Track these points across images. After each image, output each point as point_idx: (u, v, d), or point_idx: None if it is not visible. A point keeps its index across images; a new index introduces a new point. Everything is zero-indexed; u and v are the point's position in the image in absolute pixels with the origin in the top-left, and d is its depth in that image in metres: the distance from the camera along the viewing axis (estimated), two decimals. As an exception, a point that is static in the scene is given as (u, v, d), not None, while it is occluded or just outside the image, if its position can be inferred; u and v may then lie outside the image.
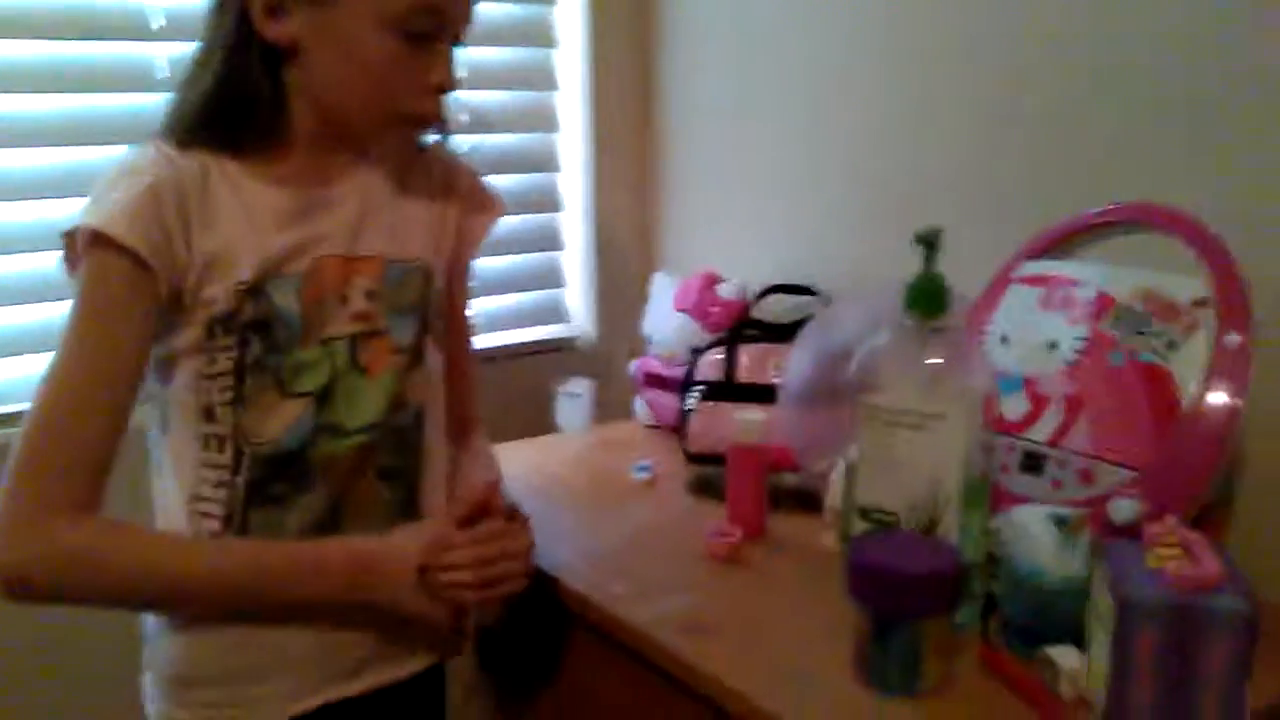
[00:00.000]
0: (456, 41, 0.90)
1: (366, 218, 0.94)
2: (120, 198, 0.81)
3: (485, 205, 1.04)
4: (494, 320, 1.59)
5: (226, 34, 0.85)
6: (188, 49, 0.88)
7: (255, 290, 0.87)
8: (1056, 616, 0.85)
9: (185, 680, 0.92)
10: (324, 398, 0.91)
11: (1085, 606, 0.83)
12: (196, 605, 0.90)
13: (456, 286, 1.05)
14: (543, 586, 1.03)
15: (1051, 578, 0.85)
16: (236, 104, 0.86)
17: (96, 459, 0.83)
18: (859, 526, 0.94)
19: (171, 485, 0.91)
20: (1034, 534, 0.86)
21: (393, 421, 0.95)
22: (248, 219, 0.87)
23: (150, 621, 0.94)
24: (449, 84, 0.89)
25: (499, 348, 1.57)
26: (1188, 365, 0.91)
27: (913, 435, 0.90)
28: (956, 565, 0.84)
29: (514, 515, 0.95)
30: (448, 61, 0.88)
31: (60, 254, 0.86)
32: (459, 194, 1.02)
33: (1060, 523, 0.85)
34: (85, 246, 0.82)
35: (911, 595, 0.82)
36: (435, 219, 1.00)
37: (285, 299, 0.88)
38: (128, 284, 0.82)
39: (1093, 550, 0.85)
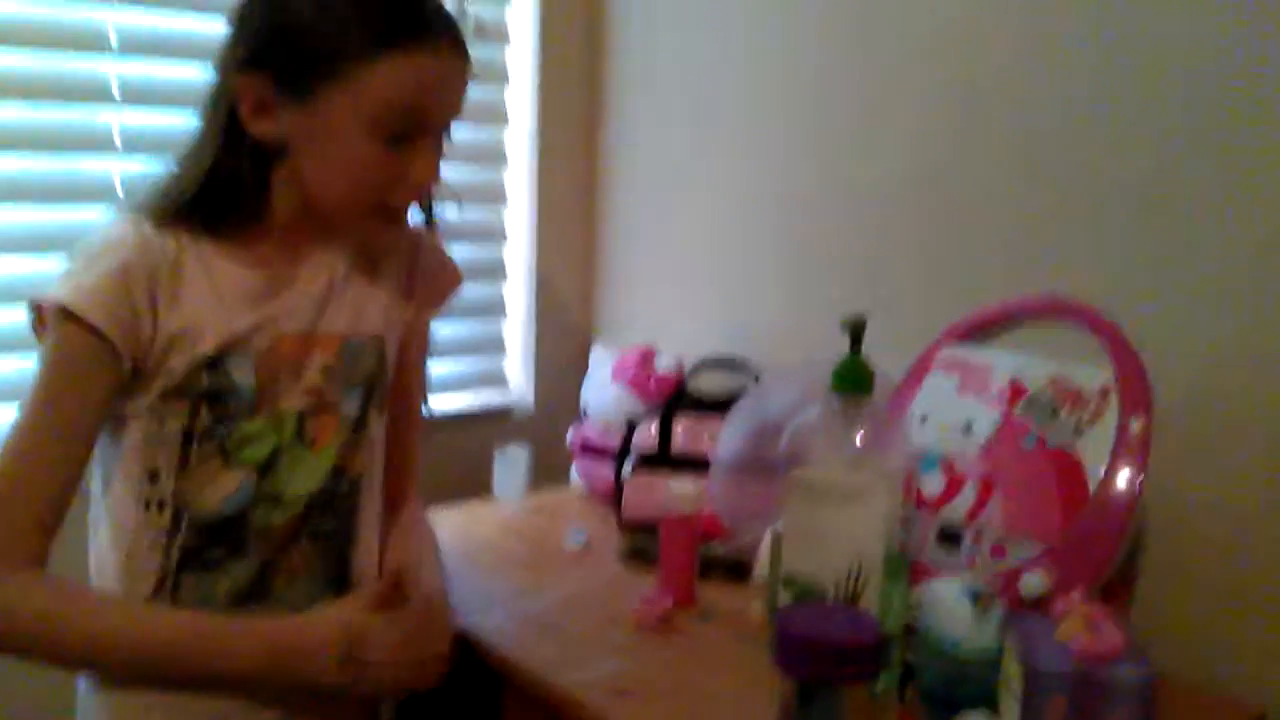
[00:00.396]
0: (442, 133, 0.92)
1: (331, 296, 0.97)
2: (92, 277, 0.84)
3: (446, 277, 1.08)
4: (434, 384, 1.61)
5: (217, 128, 0.88)
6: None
7: (214, 363, 0.89)
8: (971, 685, 0.89)
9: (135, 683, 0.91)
10: (266, 468, 0.93)
11: (998, 675, 0.88)
12: (129, 670, 0.89)
13: (410, 355, 1.07)
14: (471, 649, 1.04)
15: (966, 648, 0.89)
16: (221, 193, 0.89)
17: (52, 517, 0.85)
18: (785, 596, 0.98)
19: (108, 542, 0.92)
20: (950, 606, 0.90)
21: (331, 489, 0.97)
22: (216, 297, 0.89)
23: (83, 680, 0.94)
24: (430, 179, 0.91)
25: (439, 413, 1.59)
26: (1094, 448, 0.97)
27: (838, 509, 0.94)
28: (877, 635, 0.88)
29: (432, 603, 0.96)
30: (430, 156, 0.90)
31: (29, 318, 0.88)
32: (421, 265, 1.05)
33: (975, 596, 0.89)
34: (54, 318, 0.84)
35: (835, 663, 0.85)
36: (397, 292, 1.03)
37: (241, 372, 0.90)
38: (92, 357, 0.85)
39: (1005, 622, 0.89)
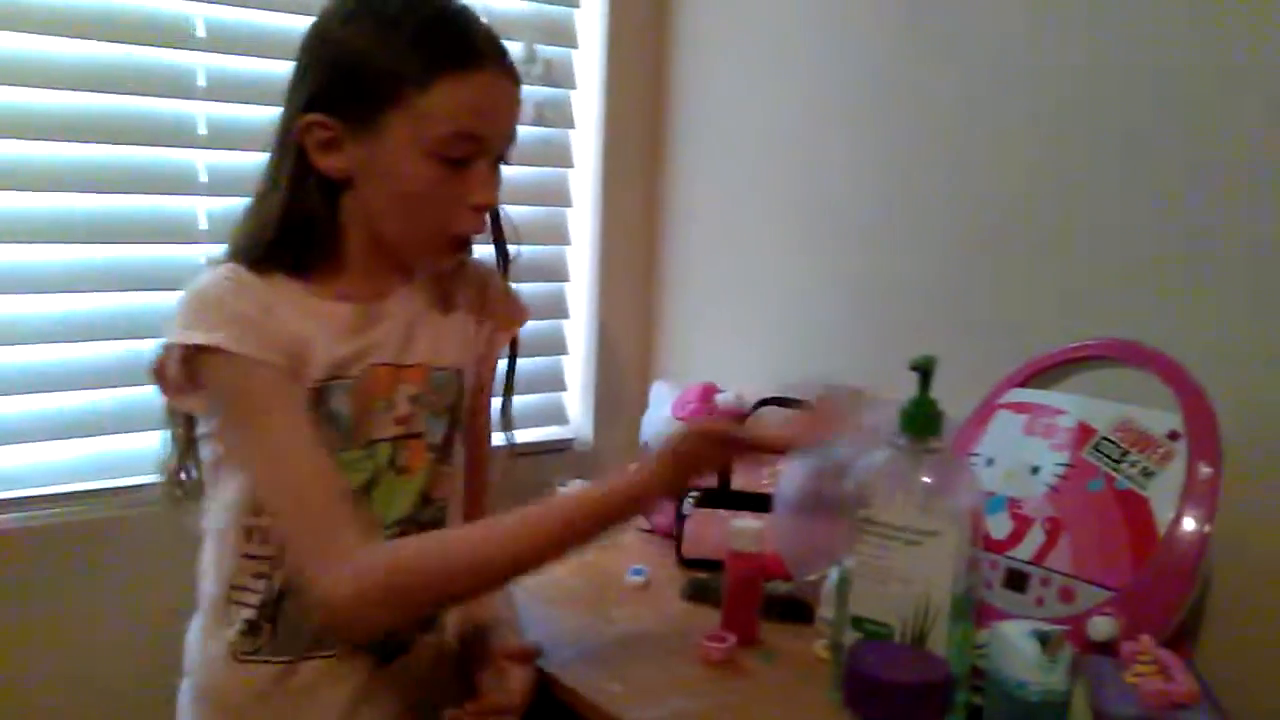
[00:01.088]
0: (500, 160, 0.96)
1: (414, 329, 1.01)
2: (222, 318, 0.88)
3: (513, 314, 1.12)
4: (496, 420, 1.64)
5: (288, 168, 0.92)
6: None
7: (320, 391, 0.93)
8: (1039, 728, 0.89)
9: (231, 707, 0.96)
10: (362, 495, 0.96)
11: (1065, 715, 0.88)
12: (513, 575, 0.95)
13: (483, 387, 1.12)
14: (542, 686, 1.06)
15: (1034, 690, 0.89)
16: (298, 229, 0.93)
17: (344, 497, 0.90)
18: (851, 636, 0.99)
19: (211, 572, 0.97)
20: (1018, 648, 0.90)
21: (418, 515, 1.01)
22: (317, 329, 0.93)
23: (190, 713, 0.98)
24: (489, 202, 0.95)
25: (499, 446, 1.62)
26: (1163, 492, 0.97)
27: (907, 550, 0.95)
28: (947, 675, 0.89)
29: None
30: (487, 179, 0.94)
31: (155, 376, 0.93)
32: (490, 302, 1.09)
33: (1043, 638, 0.89)
34: (211, 360, 0.88)
35: (904, 703, 0.86)
36: (470, 326, 1.07)
37: (339, 402, 0.94)
38: (272, 378, 0.89)
39: (1073, 665, 0.89)
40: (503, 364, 1.15)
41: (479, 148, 0.92)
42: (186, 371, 0.90)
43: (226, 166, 1.34)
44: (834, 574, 1.07)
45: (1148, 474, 0.99)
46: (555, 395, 1.75)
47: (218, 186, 1.34)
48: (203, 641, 0.98)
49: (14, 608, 1.25)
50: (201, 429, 0.97)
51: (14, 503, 1.26)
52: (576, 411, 1.76)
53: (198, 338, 0.87)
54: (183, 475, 1.01)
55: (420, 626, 1.04)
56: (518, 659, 1.01)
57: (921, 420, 0.97)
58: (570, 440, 1.74)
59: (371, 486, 0.97)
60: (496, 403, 1.18)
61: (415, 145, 0.89)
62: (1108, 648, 0.93)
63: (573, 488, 1.48)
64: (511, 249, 1.10)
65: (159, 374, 0.92)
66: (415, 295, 1.02)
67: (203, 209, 1.34)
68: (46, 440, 1.28)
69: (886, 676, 0.87)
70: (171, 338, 0.89)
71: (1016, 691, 0.90)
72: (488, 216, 1.01)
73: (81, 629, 1.29)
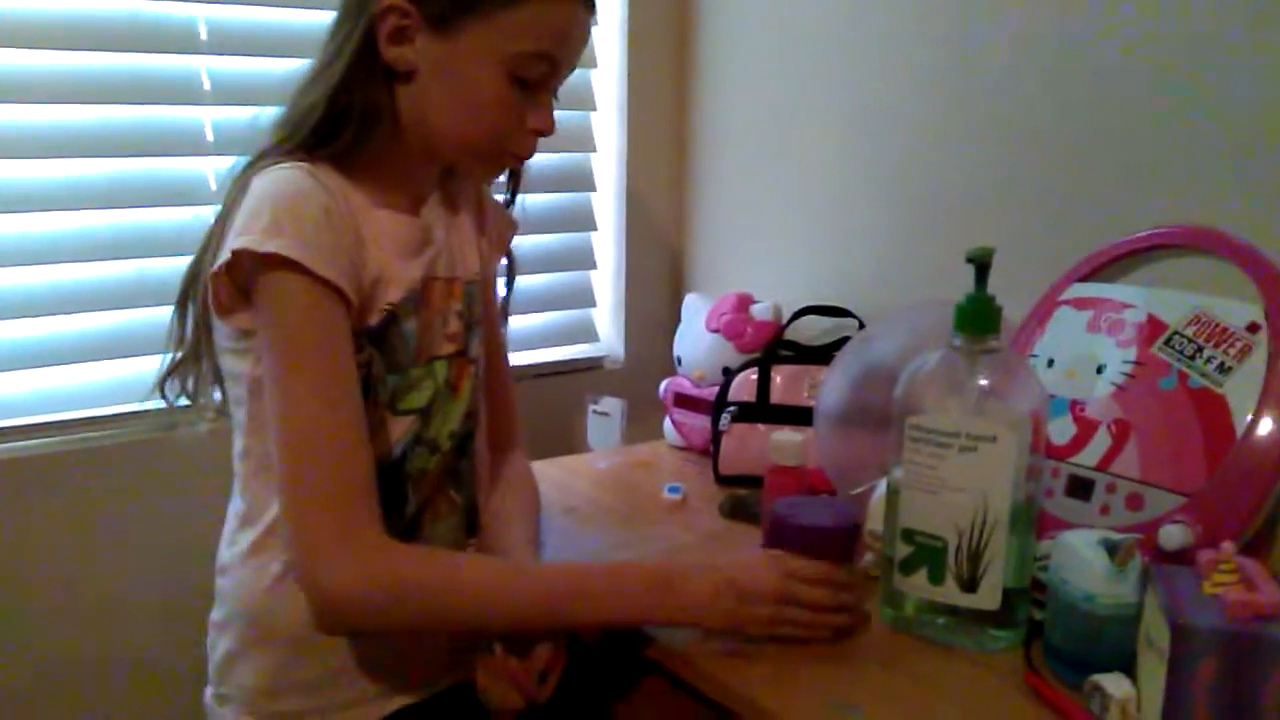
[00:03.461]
0: (555, 90, 0.94)
1: (450, 240, 0.99)
2: (302, 225, 0.81)
3: (506, 226, 1.10)
4: (524, 339, 1.59)
5: (353, 46, 0.87)
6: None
7: (393, 311, 0.90)
8: (1105, 644, 0.83)
9: (271, 691, 0.92)
10: (426, 415, 0.95)
11: (1136, 633, 0.82)
12: (509, 630, 0.90)
13: (489, 298, 1.10)
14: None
15: (1102, 603, 0.83)
16: (355, 112, 0.87)
17: (374, 475, 0.84)
18: (903, 550, 0.93)
19: (257, 496, 0.92)
20: (1085, 558, 0.84)
21: (467, 431, 1.00)
22: (390, 244, 0.90)
23: (226, 639, 0.94)
24: (548, 129, 0.93)
25: (528, 366, 1.57)
26: (1241, 390, 0.90)
27: (961, 457, 0.89)
28: (851, 524, 0.94)
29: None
30: (548, 107, 0.93)
31: (220, 275, 0.84)
32: (486, 213, 1.07)
33: (1112, 548, 0.83)
34: (276, 275, 0.81)
35: (805, 545, 0.92)
36: (477, 239, 1.05)
37: (409, 322, 0.92)
38: (331, 308, 0.83)
39: (1144, 576, 0.83)
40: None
41: (552, 72, 0.91)
42: (243, 283, 0.84)
43: (231, 78, 1.28)
44: (881, 486, 1.01)
45: (1224, 370, 0.91)
46: (584, 312, 1.69)
47: (222, 96, 1.27)
48: (247, 566, 0.92)
49: (44, 531, 1.22)
50: (232, 343, 0.89)
51: (39, 428, 1.23)
52: (607, 328, 1.70)
53: (278, 246, 0.80)
54: (183, 384, 0.96)
55: (458, 545, 1.01)
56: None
57: (977, 317, 0.90)
58: (601, 358, 1.69)
59: (433, 404, 0.95)
60: (517, 321, 1.16)
61: (494, 57, 0.87)
62: (1180, 557, 0.87)
63: (604, 405, 1.43)
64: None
65: (215, 285, 0.85)
66: (441, 207, 1.00)
67: (209, 119, 1.28)
68: (79, 363, 1.25)
69: (792, 521, 0.93)
70: (244, 244, 0.81)
71: (1083, 604, 0.84)
72: None
73: (109, 552, 1.27)
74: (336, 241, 0.84)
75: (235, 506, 0.95)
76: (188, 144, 1.26)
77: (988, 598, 0.90)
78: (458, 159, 0.94)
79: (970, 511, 0.89)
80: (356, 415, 0.84)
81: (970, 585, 0.90)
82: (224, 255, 0.83)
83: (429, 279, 0.94)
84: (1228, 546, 0.79)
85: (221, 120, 1.27)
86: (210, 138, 1.27)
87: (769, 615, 0.88)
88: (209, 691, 0.97)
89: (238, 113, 1.26)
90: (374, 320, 0.89)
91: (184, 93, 1.26)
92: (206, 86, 1.26)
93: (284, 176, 0.85)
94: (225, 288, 0.85)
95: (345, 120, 0.88)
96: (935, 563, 0.91)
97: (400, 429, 0.93)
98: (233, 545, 0.94)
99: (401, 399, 0.93)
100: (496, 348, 1.11)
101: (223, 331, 0.89)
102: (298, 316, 0.82)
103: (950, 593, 0.91)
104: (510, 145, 0.93)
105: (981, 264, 0.89)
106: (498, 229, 1.09)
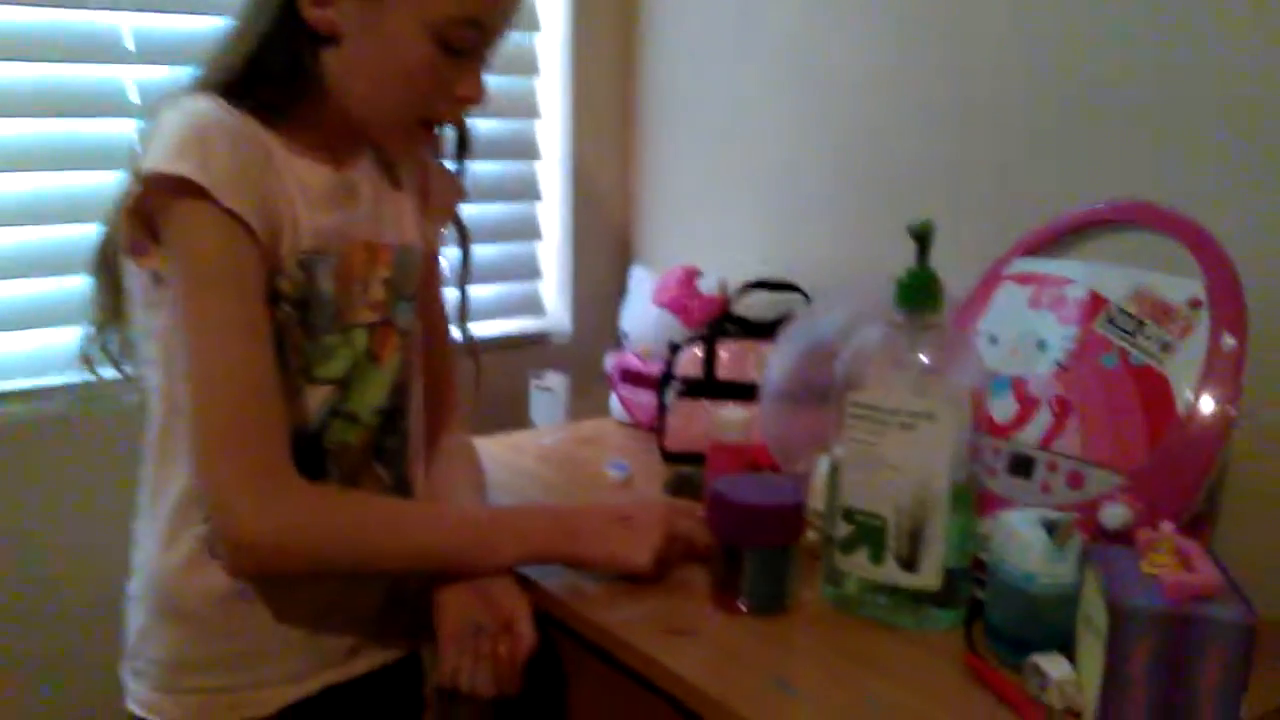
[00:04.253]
0: (486, 57, 0.90)
1: (380, 205, 0.95)
2: (207, 151, 0.78)
3: (453, 193, 1.06)
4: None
5: (273, 7, 0.83)
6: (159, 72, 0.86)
7: (306, 265, 0.86)
8: (1045, 624, 0.83)
9: (182, 667, 0.90)
10: (344, 385, 0.91)
11: (1075, 614, 0.81)
12: (413, 569, 0.90)
13: (433, 273, 1.07)
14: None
15: (1041, 583, 0.82)
16: (275, 69, 0.84)
17: (286, 418, 0.83)
18: (843, 529, 0.92)
19: (163, 471, 0.88)
20: (1023, 538, 0.83)
21: (395, 405, 0.96)
22: (301, 191, 0.86)
23: (140, 612, 0.91)
24: (477, 98, 0.89)
25: (462, 343, 1.53)
26: (1182, 368, 0.89)
27: (901, 435, 0.87)
28: (796, 500, 0.92)
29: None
30: (478, 74, 0.89)
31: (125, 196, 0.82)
32: (431, 178, 1.03)
33: (1050, 527, 0.82)
34: (179, 200, 0.78)
35: (751, 526, 0.91)
36: (417, 205, 1.01)
37: (325, 280, 0.88)
38: (238, 242, 0.80)
39: (1084, 556, 0.82)
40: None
41: (480, 39, 0.87)
42: (149, 216, 0.80)
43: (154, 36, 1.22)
44: (823, 463, 0.99)
45: (1166, 348, 0.90)
46: (531, 284, 1.66)
47: (146, 55, 1.22)
48: (157, 539, 0.89)
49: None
50: (145, 295, 0.86)
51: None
52: (554, 301, 1.67)
53: (182, 169, 0.77)
54: (104, 348, 0.93)
55: None
56: None
57: (919, 292, 0.89)
58: (548, 332, 1.66)
59: (351, 374, 0.91)
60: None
61: (420, 21, 0.83)
62: (1121, 537, 0.86)
63: (548, 380, 1.41)
64: (471, 128, 1.02)
65: (127, 223, 0.82)
66: (374, 169, 0.96)
67: (131, 78, 1.23)
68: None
69: (736, 501, 0.90)
70: (150, 166, 0.78)
71: (1022, 584, 0.83)
72: None
73: (29, 528, 1.23)
74: (244, 173, 0.80)
75: (146, 475, 0.91)
76: (110, 104, 1.21)
77: (928, 577, 0.89)
78: (375, 128, 0.90)
79: (910, 490, 0.88)
80: (268, 353, 0.81)
81: (910, 564, 0.89)
82: (132, 186, 0.80)
83: (350, 242, 0.90)
84: (1166, 526, 0.78)
85: (145, 80, 1.22)
86: (134, 98, 1.22)
87: (656, 541, 0.92)
88: (124, 666, 0.93)
89: (162, 72, 1.21)
90: (288, 270, 0.85)
91: (106, 51, 1.20)
92: (130, 46, 1.21)
93: (192, 106, 0.82)
94: (136, 224, 0.82)
95: (265, 80, 0.84)
96: (875, 542, 0.90)
97: (317, 399, 0.89)
98: (143, 516, 0.91)
99: (317, 366, 0.89)
100: (438, 319, 1.08)
101: (137, 283, 0.86)
102: (206, 246, 0.79)
103: (890, 572, 0.90)
104: (437, 114, 0.89)
105: (922, 237, 0.87)
106: (444, 197, 1.05)
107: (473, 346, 1.11)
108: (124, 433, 1.05)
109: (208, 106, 0.81)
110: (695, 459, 1.25)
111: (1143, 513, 0.87)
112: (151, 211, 0.81)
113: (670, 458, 1.32)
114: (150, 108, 0.88)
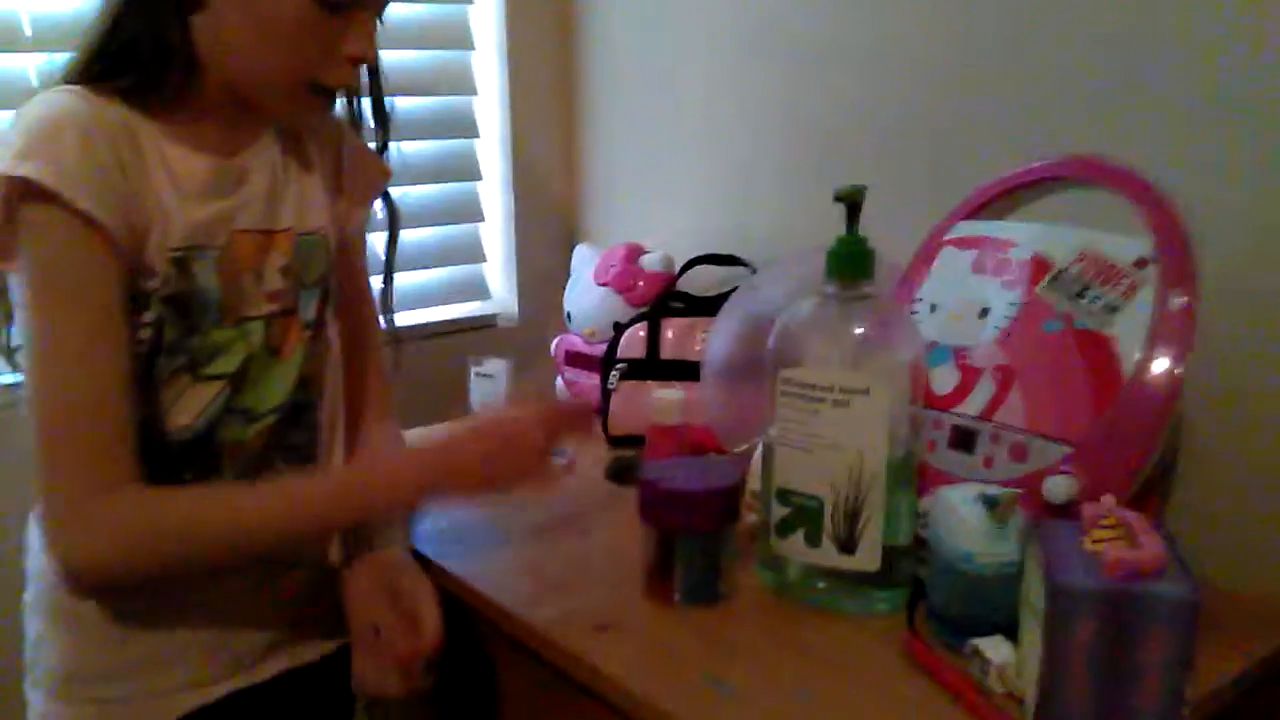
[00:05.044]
0: (379, 12, 0.84)
1: (278, 188, 0.89)
2: (60, 149, 0.73)
3: (374, 175, 1.00)
4: (408, 297, 1.50)
5: None
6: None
7: (180, 262, 0.80)
8: (986, 605, 0.79)
9: (77, 676, 0.86)
10: (237, 380, 0.86)
11: (1017, 594, 0.77)
12: (277, 546, 0.86)
13: (353, 259, 1.01)
14: (444, 583, 0.94)
15: (981, 563, 0.78)
16: (142, 45, 0.78)
17: (129, 431, 0.78)
18: (779, 511, 0.87)
19: None
20: (962, 515, 0.79)
21: (299, 400, 0.91)
22: (173, 184, 0.80)
23: (36, 620, 0.87)
24: (366, 56, 0.83)
25: (413, 326, 1.48)
26: (1129, 331, 0.84)
27: (835, 412, 0.83)
28: (729, 484, 0.88)
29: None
30: (367, 32, 0.82)
31: None
32: (347, 159, 0.97)
33: (991, 503, 0.78)
34: (29, 204, 0.73)
35: (685, 512, 0.86)
36: (330, 186, 0.96)
37: (205, 276, 0.82)
38: (90, 245, 0.75)
39: (1026, 532, 0.78)
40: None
41: None
42: (7, 215, 0.75)
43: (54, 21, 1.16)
44: (761, 442, 0.95)
45: (1111, 309, 0.86)
46: (474, 267, 1.60)
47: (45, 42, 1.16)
48: (47, 554, 0.83)
49: None
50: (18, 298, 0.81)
51: None
52: (498, 284, 1.62)
53: (28, 170, 0.72)
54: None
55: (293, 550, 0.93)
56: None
57: (849, 262, 0.84)
58: (493, 316, 1.60)
59: (246, 370, 0.86)
60: (401, 278, 1.07)
61: None
62: (1067, 511, 0.82)
63: (488, 367, 1.36)
64: (389, 104, 0.97)
65: None
66: (275, 150, 0.90)
67: (32, 65, 1.17)
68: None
69: (665, 485, 0.86)
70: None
71: (962, 564, 0.79)
72: (364, 70, 0.89)
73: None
74: (99, 169, 0.74)
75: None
76: (13, 94, 1.15)
77: (867, 558, 0.85)
78: (261, 99, 0.84)
79: (845, 468, 0.83)
80: (112, 363, 0.76)
81: (848, 546, 0.85)
82: None
83: (237, 230, 0.85)
84: (1108, 499, 0.74)
85: (49, 67, 1.15)
86: (35, 83, 1.16)
87: (535, 450, 0.87)
88: (25, 676, 0.90)
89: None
90: (159, 269, 0.80)
91: (4, 38, 1.15)
92: (28, 32, 1.15)
93: (47, 99, 0.76)
94: (3, 226, 0.76)
95: (132, 55, 0.78)
96: (812, 523, 0.86)
97: (205, 397, 0.84)
98: (33, 522, 0.87)
99: (207, 363, 0.84)
100: (360, 305, 1.03)
101: (12, 285, 0.81)
102: (51, 254, 0.74)
103: (828, 554, 0.86)
104: (323, 78, 0.83)
105: (851, 203, 0.83)
106: (364, 179, 0.99)
107: (395, 333, 1.06)
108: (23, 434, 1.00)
109: (63, 99, 0.76)
110: (639, 442, 1.21)
111: (1088, 485, 0.82)
112: (9, 212, 0.76)
113: (615, 442, 1.27)
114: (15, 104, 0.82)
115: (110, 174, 0.75)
